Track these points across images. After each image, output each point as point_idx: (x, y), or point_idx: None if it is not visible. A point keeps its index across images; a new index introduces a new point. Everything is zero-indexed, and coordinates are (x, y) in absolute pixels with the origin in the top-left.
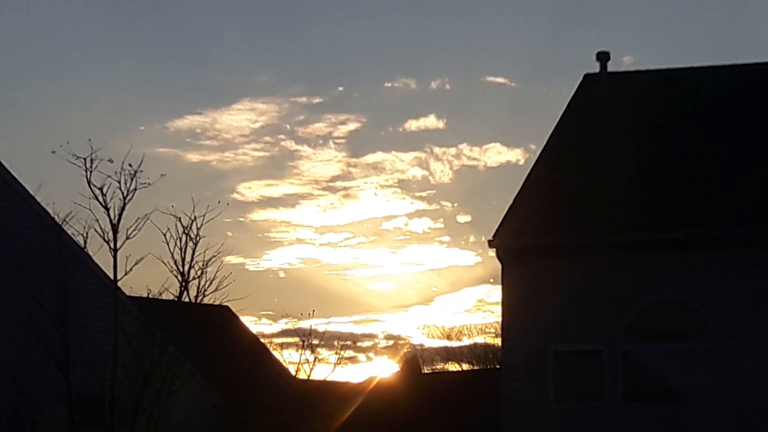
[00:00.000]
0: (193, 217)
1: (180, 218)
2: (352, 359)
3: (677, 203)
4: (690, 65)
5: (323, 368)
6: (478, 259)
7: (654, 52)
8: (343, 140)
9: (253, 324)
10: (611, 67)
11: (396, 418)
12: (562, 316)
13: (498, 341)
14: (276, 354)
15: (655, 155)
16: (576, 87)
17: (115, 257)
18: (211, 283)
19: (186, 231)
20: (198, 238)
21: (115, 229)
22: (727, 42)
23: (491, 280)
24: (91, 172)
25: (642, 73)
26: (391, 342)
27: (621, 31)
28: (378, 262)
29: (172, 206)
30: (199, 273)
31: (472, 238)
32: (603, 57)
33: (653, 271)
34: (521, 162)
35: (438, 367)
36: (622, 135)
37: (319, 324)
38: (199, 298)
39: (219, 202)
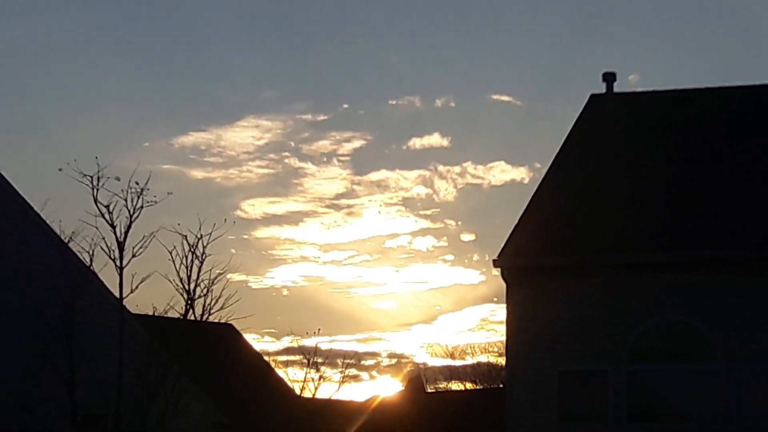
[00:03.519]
0: (199, 236)
1: (186, 236)
2: (355, 378)
3: (682, 224)
4: (696, 86)
5: (327, 387)
6: (482, 277)
7: (660, 71)
8: (347, 158)
9: (255, 342)
10: (617, 86)
11: None
12: (567, 336)
13: (502, 360)
14: (280, 372)
15: (660, 176)
16: (582, 107)
17: (121, 275)
18: (216, 301)
19: (192, 249)
20: (204, 256)
21: (121, 246)
22: (733, 63)
23: (495, 299)
24: (97, 189)
25: (648, 94)
26: (394, 360)
27: (627, 50)
28: (381, 280)
29: (179, 224)
30: (204, 291)
31: (476, 257)
32: (609, 78)
33: (658, 292)
34: (526, 181)
35: (441, 386)
36: (627, 156)
37: (322, 342)
38: (205, 317)
39: (225, 220)
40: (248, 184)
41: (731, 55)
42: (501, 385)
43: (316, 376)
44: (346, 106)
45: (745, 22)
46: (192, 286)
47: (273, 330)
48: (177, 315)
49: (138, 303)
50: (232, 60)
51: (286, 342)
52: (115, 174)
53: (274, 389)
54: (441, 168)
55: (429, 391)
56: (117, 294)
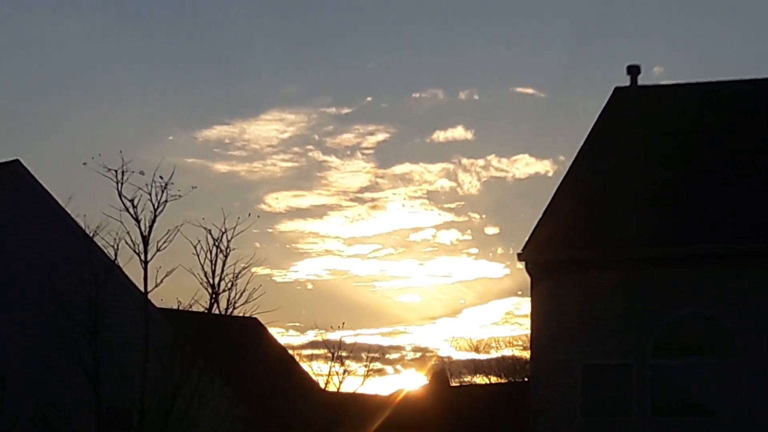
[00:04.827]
0: (223, 230)
1: (210, 230)
2: (379, 371)
3: (706, 218)
4: (721, 78)
5: (352, 380)
6: (507, 271)
7: (685, 63)
8: (371, 151)
9: (280, 336)
10: (642, 79)
11: (424, 430)
12: (591, 330)
13: (526, 354)
14: (304, 366)
15: (684, 169)
16: (606, 99)
17: (145, 269)
18: (241, 295)
19: (216, 243)
20: (228, 250)
21: (145, 240)
22: (758, 55)
23: (519, 293)
24: (122, 184)
25: (672, 86)
26: (418, 354)
27: (651, 42)
28: (406, 273)
29: (203, 218)
30: (229, 285)
31: (500, 250)
32: (633, 70)
33: (682, 286)
34: (550, 173)
35: (466, 379)
36: (651, 149)
37: (346, 336)
38: (230, 310)
39: (249, 214)
40: (272, 177)
41: (756, 48)
42: (526, 379)
43: (341, 369)
44: (369, 99)
45: None
46: (216, 280)
47: (297, 324)
48: (202, 309)
49: (162, 297)
50: (255, 53)
51: (310, 336)
52: (139, 168)
53: (298, 383)
54: (465, 161)
55: (453, 385)
56: (142, 288)
